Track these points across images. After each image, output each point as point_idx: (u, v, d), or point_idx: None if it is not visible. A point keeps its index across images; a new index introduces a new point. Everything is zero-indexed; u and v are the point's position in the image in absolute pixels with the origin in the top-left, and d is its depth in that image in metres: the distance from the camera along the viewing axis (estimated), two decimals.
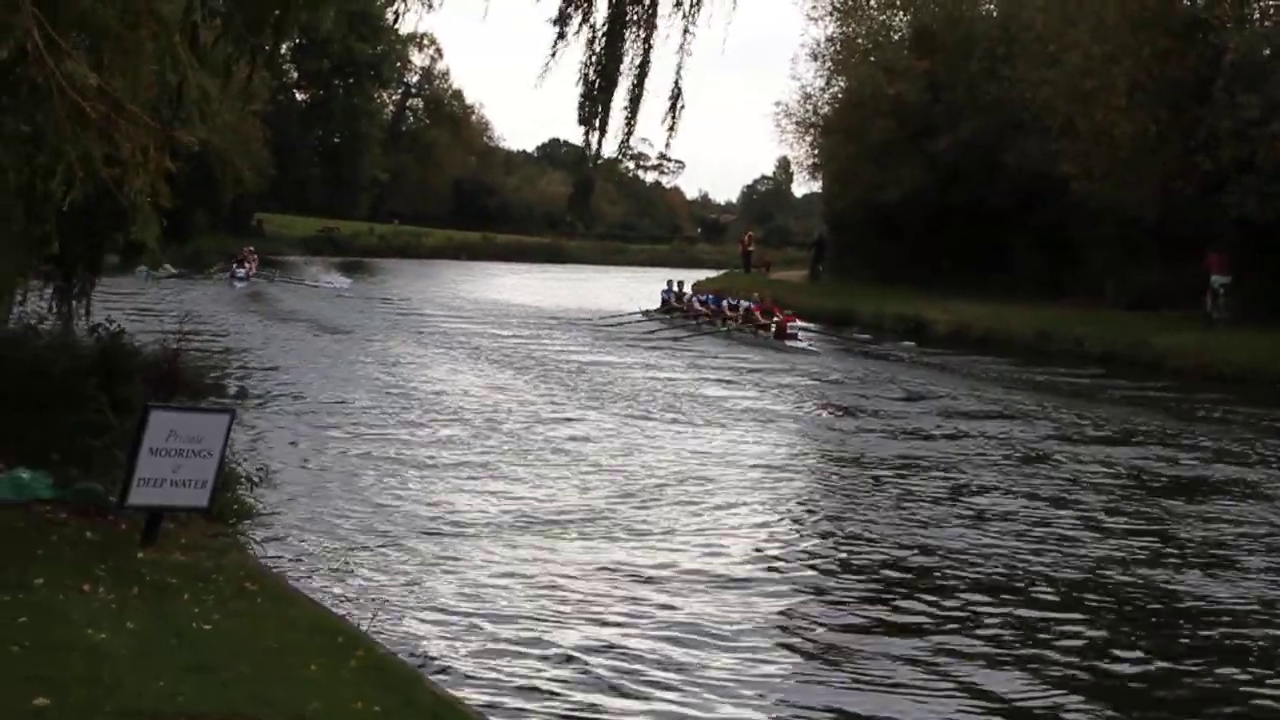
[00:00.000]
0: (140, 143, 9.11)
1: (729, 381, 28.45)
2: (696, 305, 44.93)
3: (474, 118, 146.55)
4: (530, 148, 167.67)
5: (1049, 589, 12.26)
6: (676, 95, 14.78)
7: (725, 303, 43.26)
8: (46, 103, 8.71)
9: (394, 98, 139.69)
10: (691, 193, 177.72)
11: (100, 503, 10.56)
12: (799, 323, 40.13)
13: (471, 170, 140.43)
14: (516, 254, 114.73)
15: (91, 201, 9.39)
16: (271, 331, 34.97)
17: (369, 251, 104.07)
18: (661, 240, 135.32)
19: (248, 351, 28.95)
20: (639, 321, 44.40)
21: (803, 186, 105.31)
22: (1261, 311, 35.87)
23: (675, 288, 47.54)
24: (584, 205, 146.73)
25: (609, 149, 15.47)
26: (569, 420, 21.69)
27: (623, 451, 18.87)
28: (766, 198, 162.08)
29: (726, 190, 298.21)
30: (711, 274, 73.76)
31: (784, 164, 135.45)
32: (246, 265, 56.85)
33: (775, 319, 39.04)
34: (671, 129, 14.81)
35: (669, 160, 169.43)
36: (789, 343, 37.13)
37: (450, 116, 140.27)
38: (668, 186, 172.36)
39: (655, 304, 47.71)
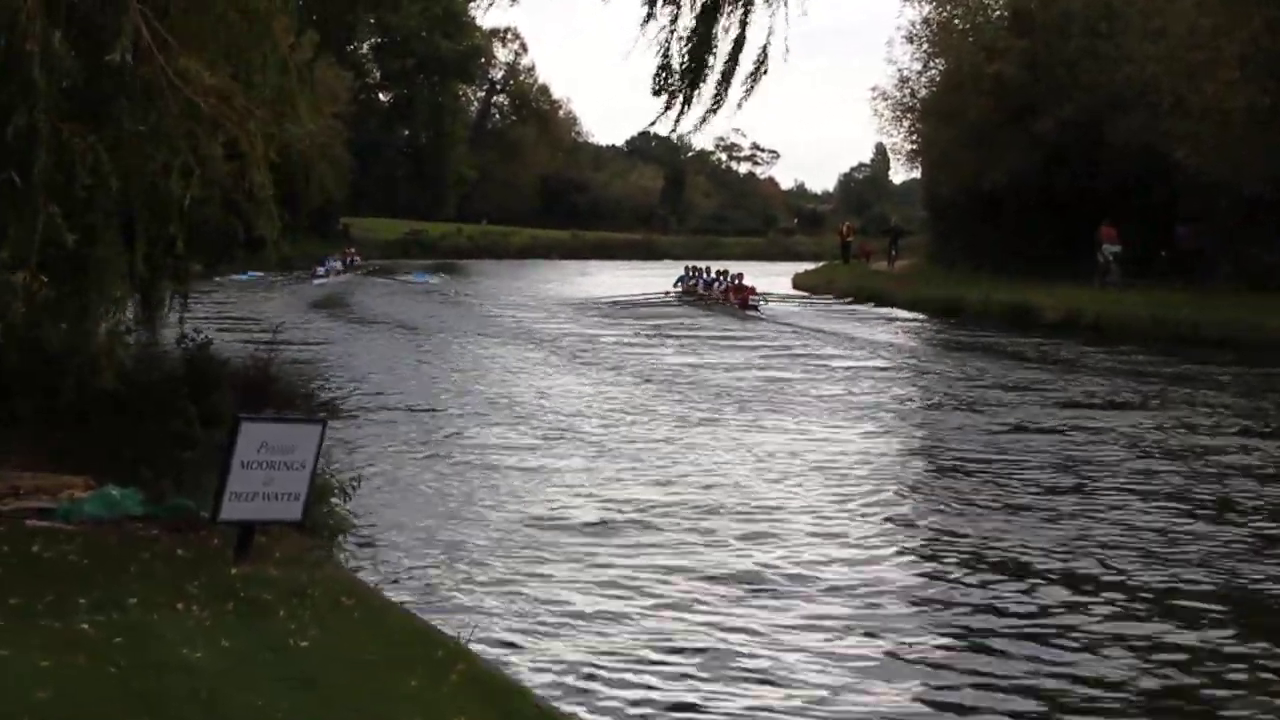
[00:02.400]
0: (254, 137, 9.13)
1: (816, 376, 28.32)
2: (700, 288, 54.35)
3: (561, 113, 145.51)
4: (619, 142, 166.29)
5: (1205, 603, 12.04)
6: (732, 60, 14.77)
7: (715, 284, 53.35)
8: (160, 100, 8.75)
9: (479, 95, 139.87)
10: (787, 183, 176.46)
11: (192, 518, 10.57)
12: (756, 295, 49.18)
13: (559, 167, 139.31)
14: (607, 251, 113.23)
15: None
16: (359, 335, 35.44)
17: (456, 253, 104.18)
18: (756, 233, 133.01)
19: (337, 358, 29.27)
20: (665, 298, 53.80)
21: (901, 174, 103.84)
22: None
23: (693, 273, 56.83)
24: (676, 199, 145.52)
25: (687, 125, 15.59)
26: (652, 420, 21.70)
27: (711, 449, 18.83)
28: (864, 186, 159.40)
29: (823, 179, 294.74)
30: (809, 266, 73.12)
31: (881, 151, 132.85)
32: (327, 265, 61.36)
33: (741, 295, 48.98)
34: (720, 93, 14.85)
35: (762, 150, 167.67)
36: (749, 312, 46.34)
37: (537, 113, 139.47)
38: (762, 177, 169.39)
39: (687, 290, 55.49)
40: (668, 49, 15.06)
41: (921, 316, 46.94)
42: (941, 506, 15.36)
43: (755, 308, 47.59)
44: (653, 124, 16.55)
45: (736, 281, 51.45)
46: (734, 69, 15.05)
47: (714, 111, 15.37)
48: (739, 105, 15.45)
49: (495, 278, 74.43)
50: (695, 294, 54.18)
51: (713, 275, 54.89)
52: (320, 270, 63.36)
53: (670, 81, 15.23)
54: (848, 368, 30.03)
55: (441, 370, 28.27)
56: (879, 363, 31.70)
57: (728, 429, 20.76)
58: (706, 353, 33.34)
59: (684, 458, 18.17)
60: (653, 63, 15.31)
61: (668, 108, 15.50)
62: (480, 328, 38.85)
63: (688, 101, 15.23)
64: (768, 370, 29.23)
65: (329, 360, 28.78)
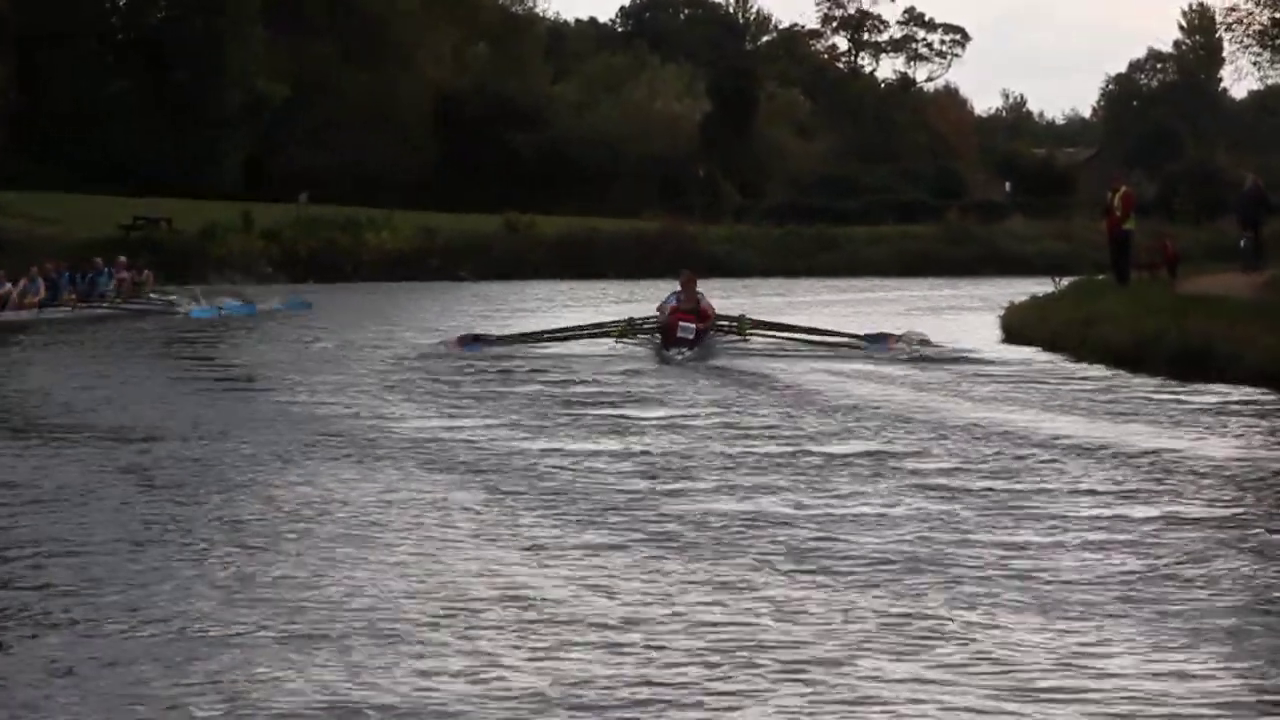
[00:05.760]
0: None
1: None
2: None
3: None
4: (606, 16, 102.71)
5: None
6: None
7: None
8: None
9: None
10: (987, 100, 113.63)
11: None
12: (690, 324, 27.67)
13: (475, 72, 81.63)
14: (584, 258, 64.50)
15: None
16: (20, 455, 16.05)
17: (230, 271, 54.74)
18: (919, 212, 73.02)
19: None
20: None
21: (1245, 78, 68.81)
22: None
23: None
24: (737, 138, 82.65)
25: None
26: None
27: None
28: (1156, 104, 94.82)
29: (1069, 91, 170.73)
30: (1038, 288, 37.63)
31: (1199, 24, 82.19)
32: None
33: (673, 320, 28.11)
34: None
35: (929, 29, 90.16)
36: (671, 350, 27.18)
37: None
38: (930, 89, 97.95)
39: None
40: None
41: None
42: None
43: (687, 344, 27.63)
44: None
45: (678, 300, 29.04)
46: None
47: None
48: None
49: (327, 320, 39.08)
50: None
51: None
52: None
53: None
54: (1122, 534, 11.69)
55: (191, 525, 12.24)
56: (1200, 509, 13.02)
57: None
58: (813, 484, 14.42)
59: None
60: None
61: None
62: (278, 427, 18.56)
63: None
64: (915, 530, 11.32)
65: None
